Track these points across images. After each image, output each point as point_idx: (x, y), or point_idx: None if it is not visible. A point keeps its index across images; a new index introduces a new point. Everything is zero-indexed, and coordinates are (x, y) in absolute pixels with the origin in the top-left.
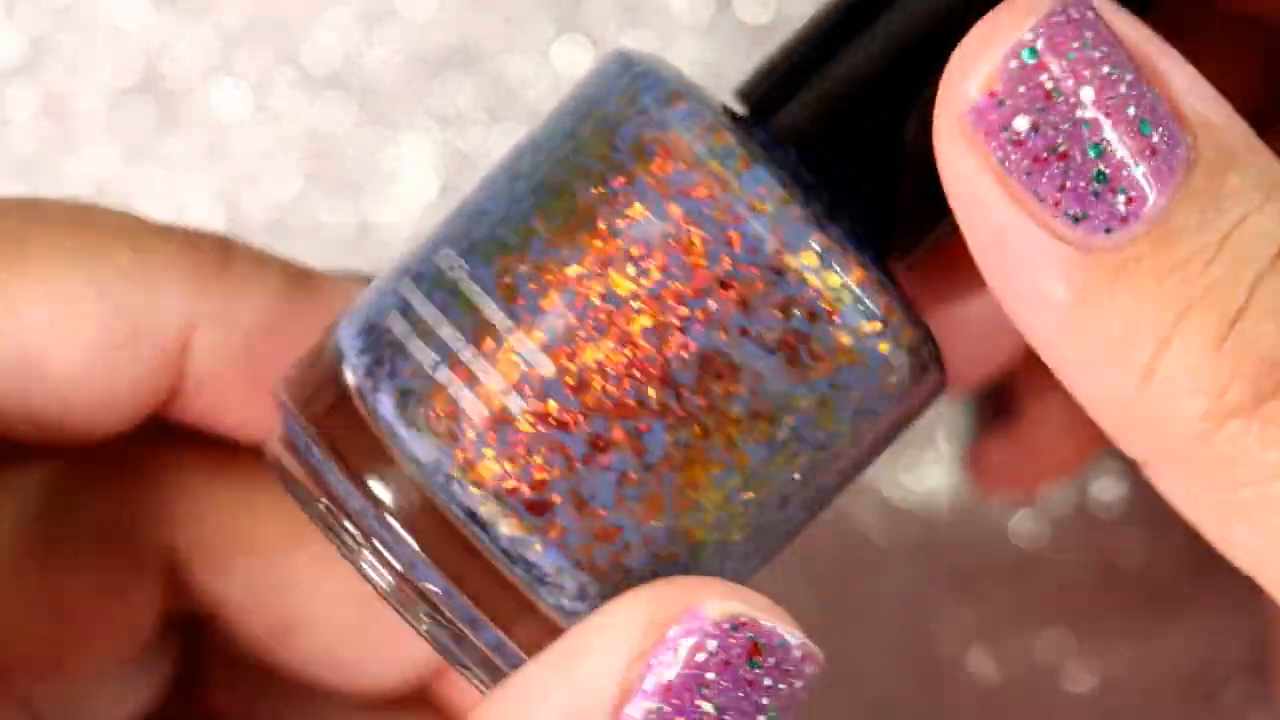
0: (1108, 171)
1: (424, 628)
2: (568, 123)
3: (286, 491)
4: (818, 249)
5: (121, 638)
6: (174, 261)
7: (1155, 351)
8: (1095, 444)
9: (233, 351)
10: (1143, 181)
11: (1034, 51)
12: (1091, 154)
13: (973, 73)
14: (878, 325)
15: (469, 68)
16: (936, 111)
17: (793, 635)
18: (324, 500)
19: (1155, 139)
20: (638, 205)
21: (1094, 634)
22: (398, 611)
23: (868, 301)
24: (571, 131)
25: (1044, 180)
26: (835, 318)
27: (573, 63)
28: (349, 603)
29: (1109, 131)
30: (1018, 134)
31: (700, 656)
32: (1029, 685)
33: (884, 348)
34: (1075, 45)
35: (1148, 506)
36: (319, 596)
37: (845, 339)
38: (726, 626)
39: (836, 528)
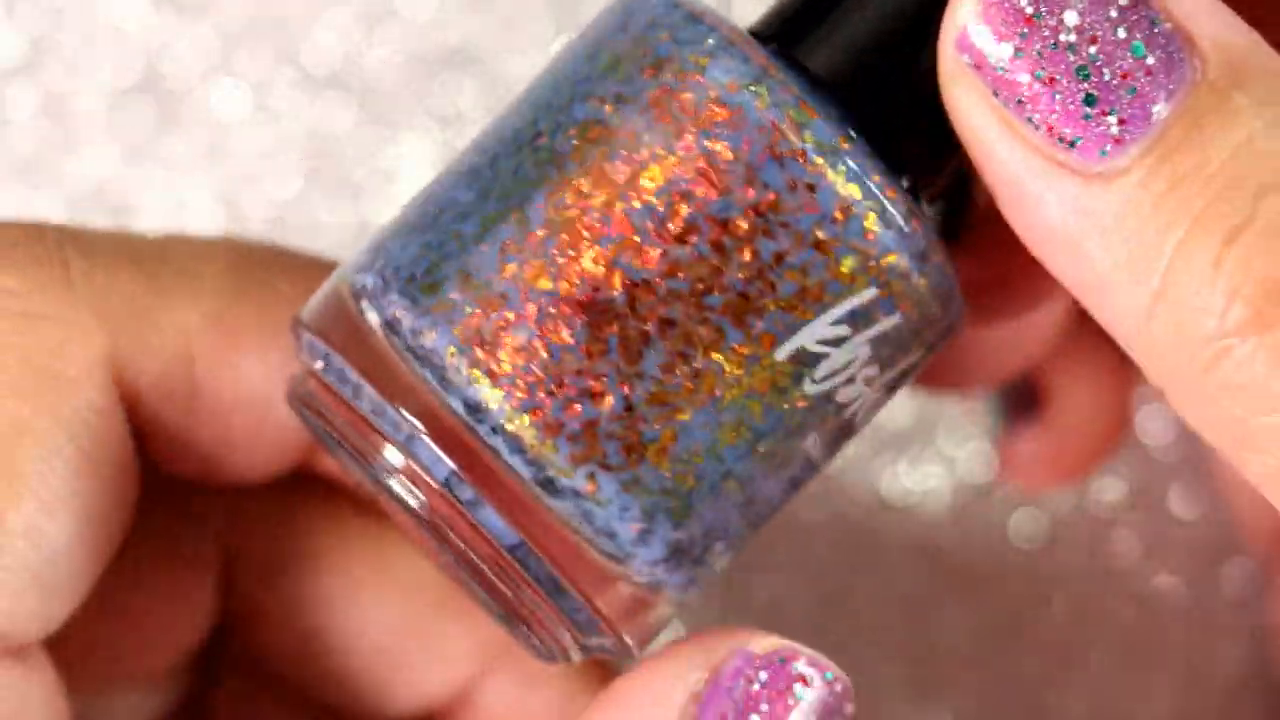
0: (1096, 94)
1: (450, 556)
2: (590, 45)
3: (309, 424)
4: (850, 163)
5: (178, 643)
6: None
7: (1164, 272)
8: (1125, 423)
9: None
10: (1135, 102)
11: None
12: (1078, 76)
13: (960, 7)
14: (904, 243)
15: (469, 68)
16: (939, 50)
17: (831, 670)
18: (354, 426)
19: (1150, 60)
20: (664, 120)
21: (1094, 634)
22: (428, 533)
23: (898, 218)
24: (593, 54)
25: (1034, 107)
26: (866, 230)
27: None
28: (383, 625)
29: (1093, 54)
30: (1003, 61)
31: (751, 689)
32: (1030, 684)
33: (906, 266)
34: None
35: (1148, 507)
36: (355, 615)
37: (871, 252)
38: (775, 660)
39: (836, 528)
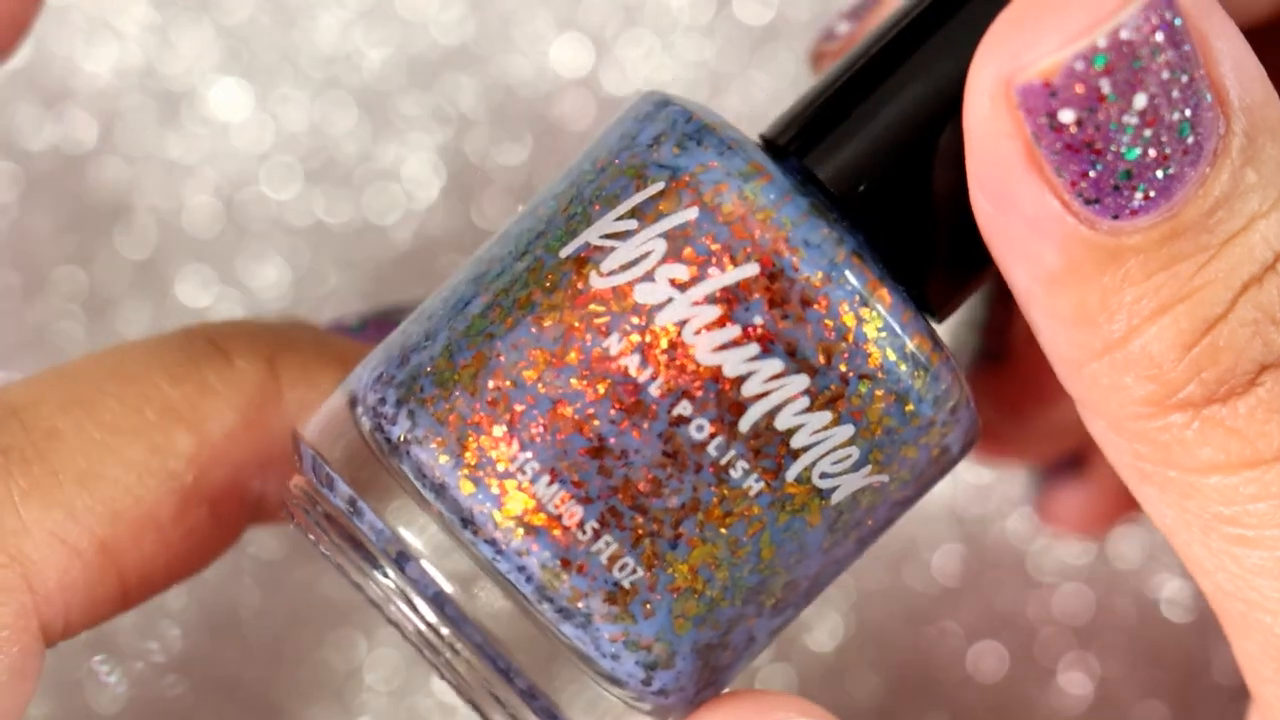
0: (1134, 171)
1: (452, 673)
2: (594, 158)
3: (305, 535)
4: (865, 291)
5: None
6: (234, 424)
7: (1125, 332)
8: None
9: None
10: (1165, 183)
11: (1104, 58)
12: (1125, 155)
13: (1035, 54)
14: (921, 372)
15: (469, 68)
16: (980, 59)
17: None
18: (348, 545)
19: (1191, 140)
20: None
21: (1094, 634)
22: (425, 657)
23: (911, 346)
24: (597, 168)
25: (1071, 164)
26: (877, 363)
27: (573, 63)
28: None
29: (1148, 137)
30: (1060, 123)
31: None
32: (1029, 685)
33: (922, 391)
34: (1145, 52)
35: None
36: None
37: (886, 385)
38: None
39: None
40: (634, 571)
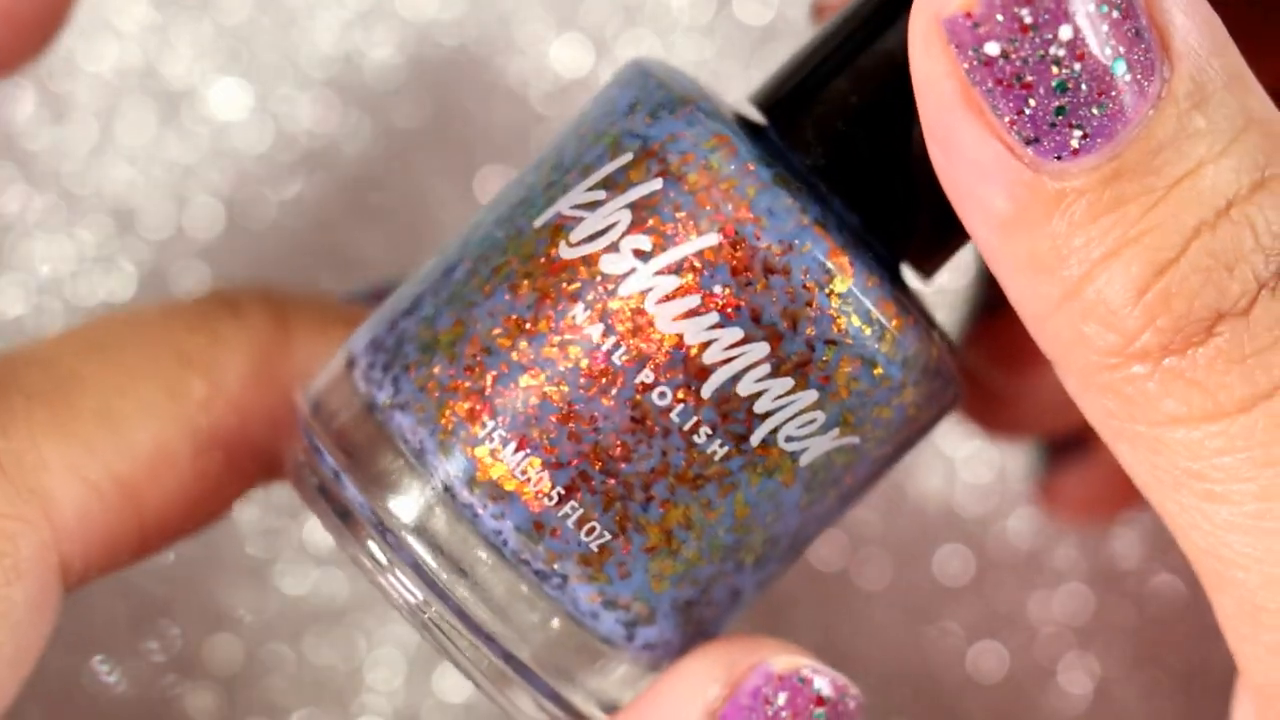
0: (1068, 107)
1: (443, 646)
2: (579, 124)
3: (306, 504)
4: (826, 260)
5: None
6: (246, 372)
7: (1080, 278)
8: None
9: (230, 404)
10: (1101, 119)
11: None
12: (1055, 88)
13: None
14: (888, 336)
15: (469, 68)
16: (916, 3)
17: (849, 691)
18: (342, 514)
19: (1127, 78)
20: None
21: (1094, 634)
22: (417, 628)
23: (876, 312)
24: (579, 134)
25: (1005, 101)
26: (842, 328)
27: (573, 63)
28: None
29: (1077, 70)
30: (987, 56)
31: (769, 710)
32: (1029, 685)
33: (890, 353)
34: None
35: (1148, 507)
36: None
37: (852, 350)
38: (794, 680)
39: (836, 528)
40: (603, 535)
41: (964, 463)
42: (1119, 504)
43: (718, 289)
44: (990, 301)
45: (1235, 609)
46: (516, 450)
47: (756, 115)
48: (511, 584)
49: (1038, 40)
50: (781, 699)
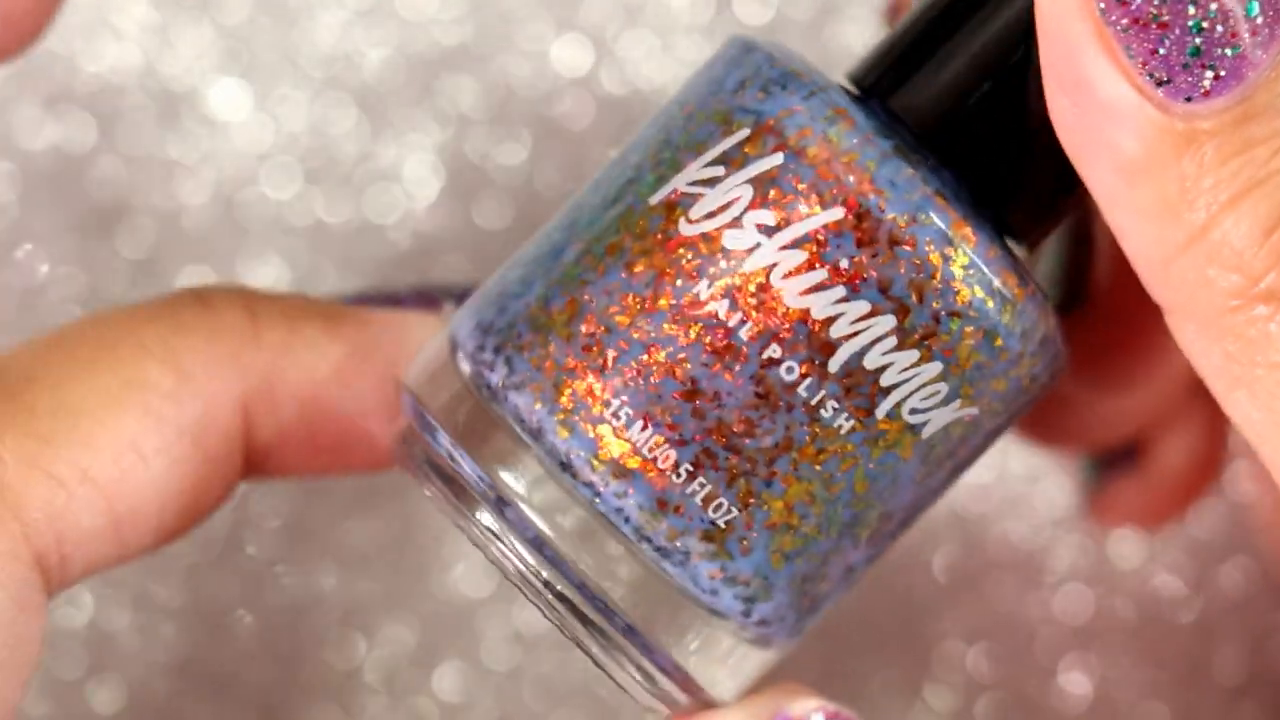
0: (1203, 47)
1: (553, 612)
2: (683, 103)
3: (415, 479)
4: (950, 231)
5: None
6: (209, 358)
7: (1206, 221)
8: (1217, 469)
9: (290, 414)
10: (1234, 61)
11: None
12: (1191, 28)
13: None
14: (1009, 307)
15: (469, 68)
16: None
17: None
18: (450, 489)
19: (1260, 19)
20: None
21: (1094, 634)
22: (528, 597)
23: (998, 282)
24: (685, 114)
25: (1139, 41)
26: (966, 300)
27: (573, 63)
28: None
29: (1213, 10)
30: None
31: None
32: (1029, 685)
33: (1010, 325)
34: None
35: None
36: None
37: (976, 321)
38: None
39: None
40: (729, 511)
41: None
42: (1168, 514)
43: (843, 262)
44: (1059, 306)
45: None
46: (641, 429)
47: (842, 85)
48: (633, 560)
49: None
50: None
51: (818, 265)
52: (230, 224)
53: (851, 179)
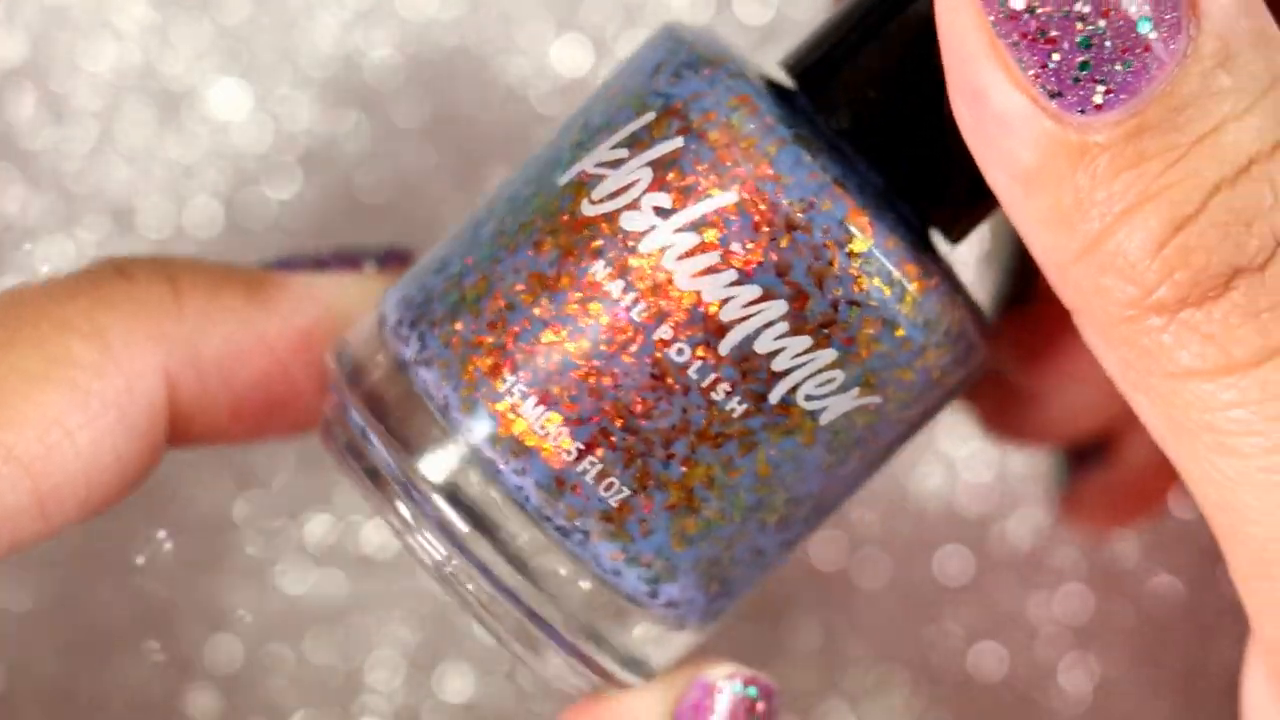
0: (1091, 63)
1: (466, 602)
2: (608, 85)
3: (337, 463)
4: (845, 220)
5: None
6: (132, 330)
7: (1100, 231)
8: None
9: (214, 382)
10: (1126, 76)
11: None
12: (1080, 44)
13: None
14: (908, 297)
15: (469, 68)
16: None
17: (774, 687)
18: (371, 473)
19: (1153, 35)
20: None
21: (1094, 634)
22: (443, 587)
23: (898, 273)
24: (608, 95)
25: (1029, 54)
26: (862, 288)
27: (573, 63)
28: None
29: (1101, 26)
30: (1012, 10)
31: (716, 701)
32: (1029, 685)
33: (911, 315)
34: None
35: None
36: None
37: (873, 311)
38: (730, 685)
39: (836, 528)
40: (621, 490)
41: (964, 463)
42: (1139, 511)
43: (736, 247)
44: (1014, 297)
45: (1247, 563)
46: (537, 405)
47: (788, 82)
48: (535, 541)
49: None
50: (722, 704)
51: (711, 249)
52: (230, 224)
53: (749, 164)
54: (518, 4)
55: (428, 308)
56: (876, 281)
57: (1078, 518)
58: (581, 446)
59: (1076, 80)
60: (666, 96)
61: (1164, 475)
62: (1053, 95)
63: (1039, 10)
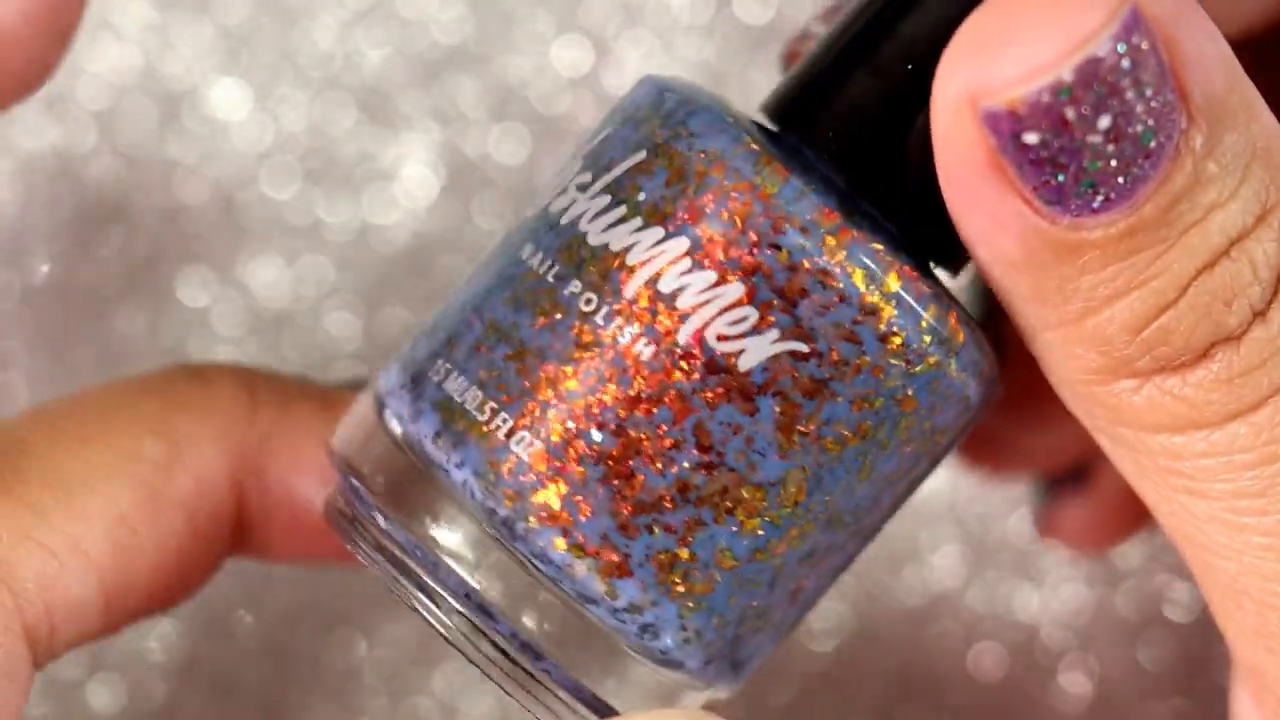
0: (1097, 181)
1: (492, 671)
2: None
3: (346, 543)
4: (866, 260)
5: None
6: (203, 433)
7: (1079, 313)
8: None
9: (279, 495)
10: (1125, 186)
11: (1070, 91)
12: (1088, 167)
13: (1001, 78)
14: (929, 334)
15: (469, 68)
16: (946, 69)
17: None
18: (381, 549)
19: (1153, 145)
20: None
21: (1093, 634)
22: (465, 656)
23: (919, 309)
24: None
25: (1033, 173)
26: (885, 327)
27: (573, 63)
28: None
29: (1111, 152)
30: (1024, 143)
31: None
32: (1029, 685)
33: (935, 358)
34: (1111, 80)
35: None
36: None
37: (896, 349)
38: None
39: None
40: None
41: (963, 462)
42: (1120, 532)
43: (642, 197)
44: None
45: (1220, 595)
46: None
47: (770, 125)
48: (555, 603)
49: (1079, 133)
50: None
51: (614, 208)
52: (230, 224)
53: (755, 203)
54: (518, 4)
55: (424, 379)
56: (910, 334)
57: (1056, 541)
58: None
59: (1078, 195)
60: (655, 140)
61: (1138, 503)
62: (1050, 204)
63: (1052, 145)
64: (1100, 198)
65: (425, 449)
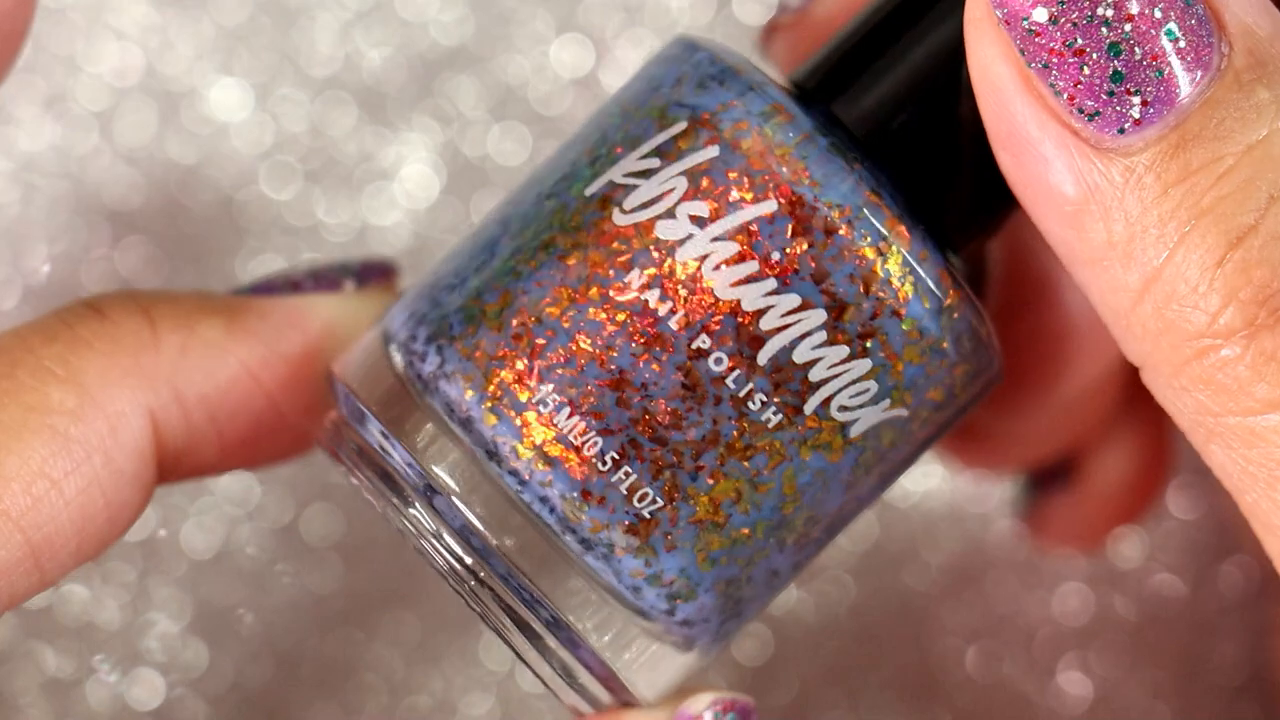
0: (1124, 72)
1: (478, 603)
2: (620, 101)
3: (343, 473)
4: (883, 228)
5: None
6: (110, 371)
7: (1161, 260)
8: (1152, 495)
9: (199, 417)
10: (1160, 85)
11: None
12: (1109, 53)
13: None
14: (945, 308)
15: (469, 68)
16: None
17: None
18: (379, 479)
19: (1181, 43)
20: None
21: (1094, 634)
22: (455, 590)
23: (932, 283)
24: (622, 111)
25: (1060, 74)
26: (904, 298)
27: (573, 63)
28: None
29: (1128, 30)
30: (1037, 25)
31: None
32: (1029, 685)
33: (945, 326)
34: None
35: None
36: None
37: (908, 320)
38: (710, 715)
39: None
40: (654, 503)
41: None
42: (1105, 529)
43: (775, 255)
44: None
45: None
46: (566, 416)
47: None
48: (556, 551)
49: (1085, 2)
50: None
51: (749, 257)
52: (230, 224)
53: (786, 172)
54: (518, 4)
55: (443, 323)
56: (913, 291)
57: (1042, 539)
58: (614, 457)
59: (1111, 94)
60: (693, 108)
61: (1131, 499)
62: (1090, 116)
63: (1062, 19)
64: (1136, 99)
65: (429, 382)
